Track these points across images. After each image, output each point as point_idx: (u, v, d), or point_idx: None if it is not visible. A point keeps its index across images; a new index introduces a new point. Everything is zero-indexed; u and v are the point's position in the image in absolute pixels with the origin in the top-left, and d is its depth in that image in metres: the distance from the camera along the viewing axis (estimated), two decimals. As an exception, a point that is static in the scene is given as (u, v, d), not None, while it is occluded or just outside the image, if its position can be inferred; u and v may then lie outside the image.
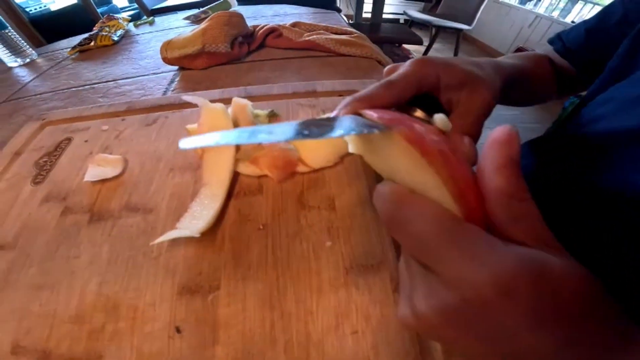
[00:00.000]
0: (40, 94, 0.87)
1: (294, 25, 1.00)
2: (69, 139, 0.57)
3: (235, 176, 0.45)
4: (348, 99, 0.31)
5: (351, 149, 0.29)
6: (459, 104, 0.33)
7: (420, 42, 3.24)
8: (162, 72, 0.86)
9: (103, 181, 0.47)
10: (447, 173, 0.20)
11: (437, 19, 4.06)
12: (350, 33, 0.95)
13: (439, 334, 0.22)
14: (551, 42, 0.63)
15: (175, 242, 0.39)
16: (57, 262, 0.39)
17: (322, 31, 0.97)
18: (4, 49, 1.08)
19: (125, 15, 1.37)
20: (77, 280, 0.37)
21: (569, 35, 0.59)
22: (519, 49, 2.88)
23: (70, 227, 0.42)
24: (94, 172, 0.48)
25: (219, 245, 0.38)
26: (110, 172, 0.48)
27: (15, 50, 1.10)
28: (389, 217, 0.22)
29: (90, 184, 0.47)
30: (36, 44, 1.17)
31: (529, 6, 4.06)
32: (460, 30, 4.01)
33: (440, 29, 4.08)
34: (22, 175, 0.51)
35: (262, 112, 0.53)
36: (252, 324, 0.32)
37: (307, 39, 0.91)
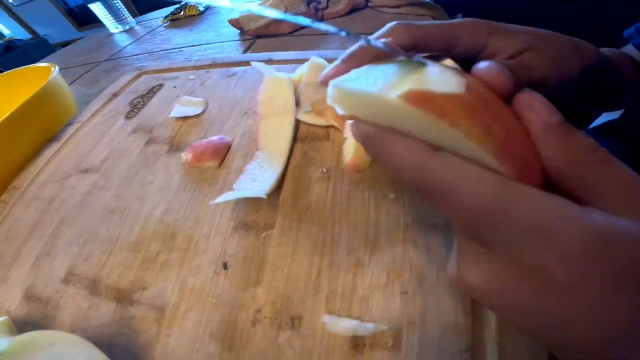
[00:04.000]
0: (136, 54, 0.98)
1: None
2: (161, 85, 0.61)
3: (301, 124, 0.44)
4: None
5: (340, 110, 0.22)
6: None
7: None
8: (239, 40, 0.91)
9: (185, 118, 0.50)
10: (479, 129, 0.17)
11: None
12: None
13: (489, 304, 0.19)
14: (629, 35, 0.50)
15: (240, 176, 0.39)
16: (132, 187, 0.42)
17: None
18: (109, 15, 1.21)
19: None
20: (146, 205, 0.39)
21: None
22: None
23: (151, 156, 0.45)
24: (178, 110, 0.51)
25: (280, 185, 0.37)
26: (192, 111, 0.50)
27: (118, 18, 1.23)
28: (415, 185, 0.18)
29: (174, 120, 0.50)
30: (133, 15, 1.33)
31: None
32: None
33: None
34: (117, 111, 0.57)
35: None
36: (299, 269, 0.31)
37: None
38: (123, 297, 0.32)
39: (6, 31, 4.77)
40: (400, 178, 0.19)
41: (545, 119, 0.18)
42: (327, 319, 0.27)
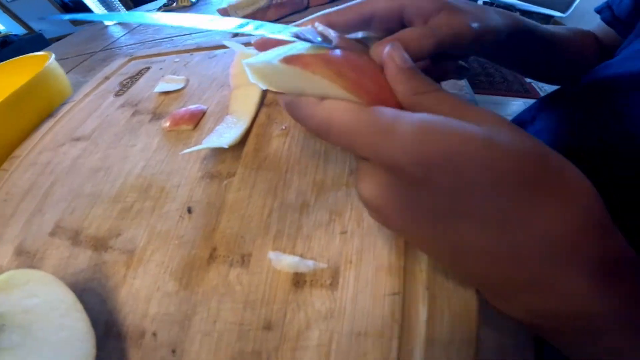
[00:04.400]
0: (129, 44, 1.04)
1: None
2: (148, 68, 0.66)
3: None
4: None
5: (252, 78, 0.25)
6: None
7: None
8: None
9: (167, 93, 0.55)
10: (332, 72, 0.22)
11: (523, 2, 3.53)
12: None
13: (385, 220, 0.23)
14: (599, 10, 0.54)
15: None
16: (117, 150, 0.46)
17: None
18: (103, 9, 1.28)
19: None
20: (128, 164, 0.43)
21: (620, 3, 0.49)
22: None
23: (135, 124, 0.50)
24: (162, 86, 0.55)
25: (244, 140, 0.41)
26: (174, 86, 0.55)
27: (111, 9, 1.29)
28: (316, 132, 0.23)
29: (158, 95, 0.55)
30: (127, 8, 1.38)
31: None
32: (551, 17, 3.40)
33: (524, 13, 3.45)
34: (108, 91, 0.62)
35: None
36: (253, 211, 0.34)
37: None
38: (99, 245, 0.36)
39: (1, 27, 4.82)
40: (311, 131, 0.24)
41: (399, 64, 0.23)
42: (272, 255, 0.30)
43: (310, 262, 0.28)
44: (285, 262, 0.29)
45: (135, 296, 0.31)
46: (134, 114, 0.52)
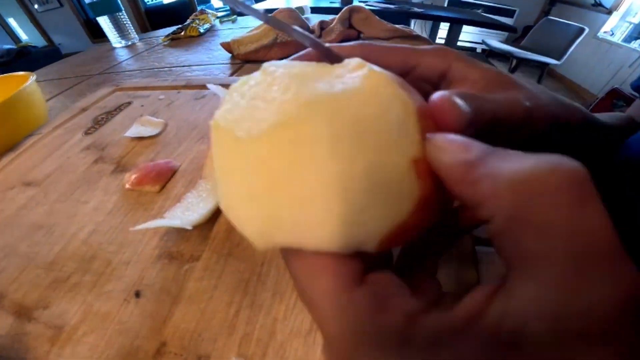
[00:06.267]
0: (128, 71, 1.00)
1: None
2: (129, 103, 0.62)
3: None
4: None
5: None
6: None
7: (494, 75, 3.07)
8: (229, 63, 0.93)
9: (140, 138, 0.49)
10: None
11: (520, 50, 3.75)
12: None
13: None
14: (636, 88, 0.48)
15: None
16: (66, 205, 0.40)
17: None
18: (114, 30, 1.25)
19: (213, 11, 1.55)
20: (74, 225, 0.38)
21: None
22: (613, 91, 2.44)
23: (95, 174, 0.44)
24: (134, 130, 0.50)
25: (216, 217, 0.35)
26: (149, 131, 0.49)
27: (122, 33, 1.26)
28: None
29: (129, 140, 0.50)
30: (143, 31, 1.37)
31: (634, 44, 3.45)
32: (546, 64, 3.65)
33: (521, 61, 3.75)
34: (79, 126, 0.56)
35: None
36: (217, 306, 0.29)
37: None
38: (23, 313, 0.31)
39: (24, 37, 4.92)
40: None
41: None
42: (237, 362, 0.25)
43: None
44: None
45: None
46: (96, 161, 0.46)
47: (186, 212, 0.34)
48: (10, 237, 0.38)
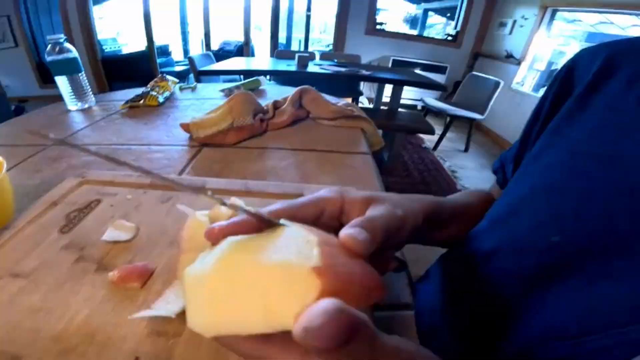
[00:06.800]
0: (86, 143, 1.01)
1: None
2: (99, 201, 0.69)
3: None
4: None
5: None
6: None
7: (432, 132, 3.28)
8: (187, 146, 1.00)
9: (116, 242, 0.58)
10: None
11: (451, 107, 4.06)
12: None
13: None
14: (495, 171, 0.57)
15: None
16: (59, 294, 0.48)
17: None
18: (71, 91, 1.23)
19: (173, 78, 1.55)
20: (70, 310, 0.45)
21: (509, 167, 0.53)
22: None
23: (79, 272, 0.52)
24: (111, 234, 0.58)
25: None
26: (123, 236, 0.58)
27: (79, 94, 1.25)
28: None
29: (105, 243, 0.58)
30: (99, 83, 1.36)
31: (540, 92, 3.80)
32: (473, 119, 3.96)
33: (454, 117, 4.04)
34: (53, 223, 0.63)
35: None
36: None
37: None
38: None
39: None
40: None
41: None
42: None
43: None
44: None
45: None
46: (78, 260, 0.54)
47: (168, 305, 0.45)
48: (12, 317, 0.44)
